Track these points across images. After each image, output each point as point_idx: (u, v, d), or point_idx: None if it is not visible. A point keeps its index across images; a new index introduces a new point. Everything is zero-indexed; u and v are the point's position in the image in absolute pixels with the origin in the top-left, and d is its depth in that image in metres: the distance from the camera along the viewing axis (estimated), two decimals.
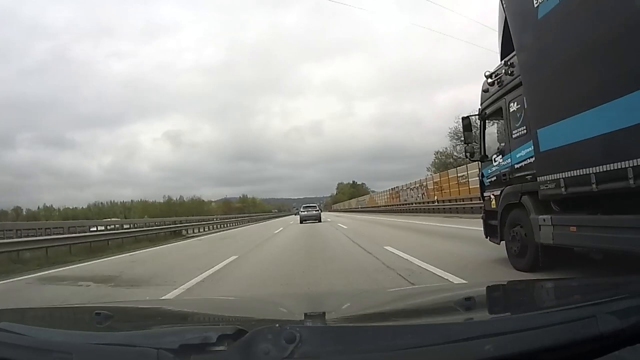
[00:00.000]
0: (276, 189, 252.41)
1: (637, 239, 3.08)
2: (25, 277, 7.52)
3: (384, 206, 49.48)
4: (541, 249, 4.30)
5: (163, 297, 4.62)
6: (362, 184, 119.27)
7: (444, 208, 26.24)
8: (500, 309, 1.33)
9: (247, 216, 52.79)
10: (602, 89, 3.27)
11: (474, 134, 6.40)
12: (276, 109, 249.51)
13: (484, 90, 5.82)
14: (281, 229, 20.46)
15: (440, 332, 0.92)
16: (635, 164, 2.96)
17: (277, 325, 0.88)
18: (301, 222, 26.04)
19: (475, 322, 1.02)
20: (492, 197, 5.63)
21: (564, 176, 3.75)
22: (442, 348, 0.82)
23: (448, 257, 6.33)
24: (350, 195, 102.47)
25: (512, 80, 4.93)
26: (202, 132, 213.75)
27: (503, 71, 5.14)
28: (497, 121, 5.79)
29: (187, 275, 6.20)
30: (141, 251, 12.15)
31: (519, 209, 4.79)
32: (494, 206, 5.51)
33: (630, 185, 2.99)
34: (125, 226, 23.13)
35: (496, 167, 5.55)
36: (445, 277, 4.75)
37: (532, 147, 4.36)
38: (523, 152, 4.76)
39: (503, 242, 5.24)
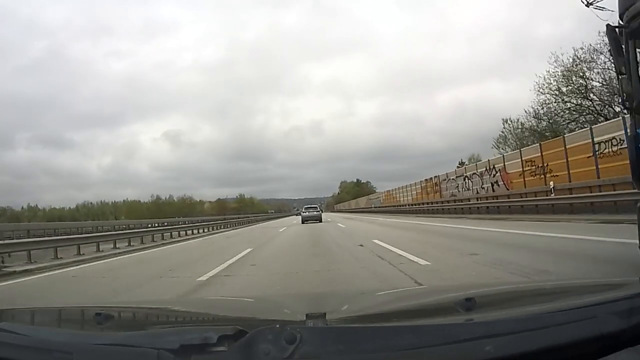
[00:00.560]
0: (277, 189, 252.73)
1: None
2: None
3: (411, 205, 35.83)
4: None
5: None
6: (367, 182, 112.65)
7: (570, 204, 14.16)
8: (501, 310, 1.32)
9: (237, 218, 43.46)
10: None
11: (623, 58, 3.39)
12: (276, 108, 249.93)
13: None
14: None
15: (440, 332, 0.92)
16: None
17: (278, 325, 0.88)
18: (303, 223, 26.63)
19: (476, 323, 1.02)
20: None
21: None
22: (443, 349, 0.82)
23: None
24: (354, 194, 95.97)
25: None
26: (202, 132, 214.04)
27: None
28: None
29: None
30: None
31: None
32: None
33: None
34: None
35: None
36: None
37: None
38: None
39: None
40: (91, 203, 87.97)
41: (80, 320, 1.51)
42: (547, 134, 25.48)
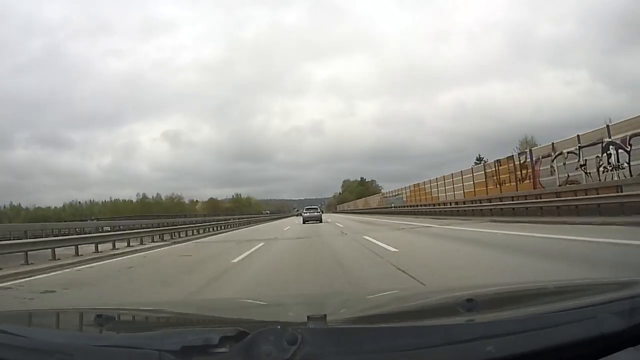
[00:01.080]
0: (277, 190, 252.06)
1: None
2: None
3: (461, 204, 23.39)
4: None
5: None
6: (373, 181, 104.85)
7: None
8: (502, 310, 1.33)
9: (224, 220, 32.74)
10: None
11: None
12: (277, 108, 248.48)
13: None
14: None
15: (441, 333, 0.92)
16: None
17: (279, 326, 0.88)
18: (304, 223, 27.98)
19: (477, 323, 1.02)
20: None
21: None
22: (444, 349, 0.82)
23: None
24: (358, 193, 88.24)
25: None
26: (201, 132, 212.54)
27: None
28: None
29: None
30: None
31: None
32: None
33: None
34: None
35: None
36: None
37: None
38: None
39: None
40: (79, 202, 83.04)
41: (81, 322, 1.51)
42: None
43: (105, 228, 21.76)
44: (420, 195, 33.89)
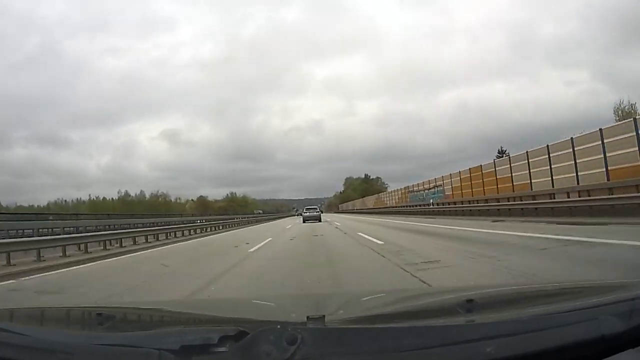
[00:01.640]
0: (277, 190, 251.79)
1: None
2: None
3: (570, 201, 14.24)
4: None
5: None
6: (378, 178, 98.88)
7: None
8: (502, 311, 1.33)
9: (207, 222, 27.75)
10: None
11: None
12: (276, 107, 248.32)
13: None
14: None
15: (441, 333, 0.92)
16: None
17: (279, 326, 0.88)
18: (304, 222, 29.35)
19: (477, 324, 1.02)
20: None
21: None
22: (444, 350, 0.82)
23: None
24: (362, 192, 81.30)
25: None
26: (200, 131, 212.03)
27: None
28: None
29: None
30: None
31: None
32: None
33: None
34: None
35: None
36: None
37: None
38: None
39: None
40: (65, 201, 77.95)
41: (81, 321, 1.51)
42: None
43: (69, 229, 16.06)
44: (485, 186, 22.62)
